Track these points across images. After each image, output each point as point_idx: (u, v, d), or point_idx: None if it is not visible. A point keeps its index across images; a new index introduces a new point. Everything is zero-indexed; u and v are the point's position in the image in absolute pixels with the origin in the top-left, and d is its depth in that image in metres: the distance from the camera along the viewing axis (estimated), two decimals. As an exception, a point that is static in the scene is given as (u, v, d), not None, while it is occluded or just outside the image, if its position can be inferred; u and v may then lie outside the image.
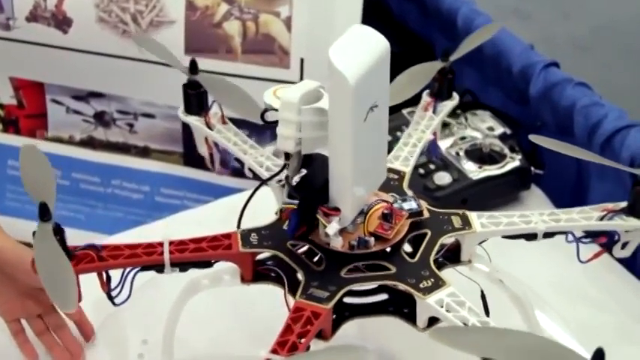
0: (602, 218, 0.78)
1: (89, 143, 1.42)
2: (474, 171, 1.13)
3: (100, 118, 1.40)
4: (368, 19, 1.24)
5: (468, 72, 1.31)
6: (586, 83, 1.13)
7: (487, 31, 0.99)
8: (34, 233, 0.73)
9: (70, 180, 1.43)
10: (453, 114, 1.19)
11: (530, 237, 0.80)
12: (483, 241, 0.81)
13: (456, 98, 0.96)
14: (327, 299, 0.73)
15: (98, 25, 1.30)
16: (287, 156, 0.76)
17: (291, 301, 0.75)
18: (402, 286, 0.75)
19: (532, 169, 1.16)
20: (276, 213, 0.82)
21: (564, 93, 1.13)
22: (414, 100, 1.22)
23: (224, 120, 0.91)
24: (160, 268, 0.78)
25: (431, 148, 0.94)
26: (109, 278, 0.78)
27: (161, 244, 0.78)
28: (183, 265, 0.79)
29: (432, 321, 0.76)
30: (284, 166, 0.78)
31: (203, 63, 1.28)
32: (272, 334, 0.70)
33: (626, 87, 2.08)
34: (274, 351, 0.69)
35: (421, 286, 0.74)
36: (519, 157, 1.15)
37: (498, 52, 1.22)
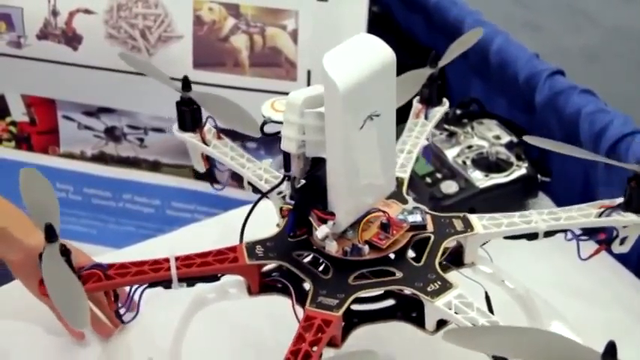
0: (600, 215, 0.80)
1: (100, 158, 1.43)
2: (480, 179, 1.13)
3: (111, 134, 1.41)
4: (374, 31, 1.24)
5: (475, 81, 1.31)
6: (591, 90, 1.13)
7: (472, 36, 0.99)
8: (40, 255, 0.74)
9: (82, 195, 1.44)
10: (459, 123, 1.20)
11: (532, 237, 0.80)
12: (485, 243, 0.82)
13: (446, 104, 0.98)
14: (336, 307, 0.74)
15: (107, 42, 1.32)
16: (287, 167, 0.76)
17: (299, 311, 0.75)
18: (408, 291, 0.75)
19: (539, 176, 1.16)
20: (278, 225, 0.82)
21: (570, 100, 1.13)
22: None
23: (219, 135, 0.91)
24: (167, 284, 0.78)
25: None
26: (116, 297, 0.80)
27: (167, 260, 0.78)
28: (190, 280, 0.79)
29: (441, 324, 0.76)
30: (284, 178, 0.79)
31: (211, 77, 1.31)
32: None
33: (633, 95, 2.08)
34: None
35: (429, 289, 0.74)
36: (526, 164, 1.15)
37: (504, 61, 1.23)
